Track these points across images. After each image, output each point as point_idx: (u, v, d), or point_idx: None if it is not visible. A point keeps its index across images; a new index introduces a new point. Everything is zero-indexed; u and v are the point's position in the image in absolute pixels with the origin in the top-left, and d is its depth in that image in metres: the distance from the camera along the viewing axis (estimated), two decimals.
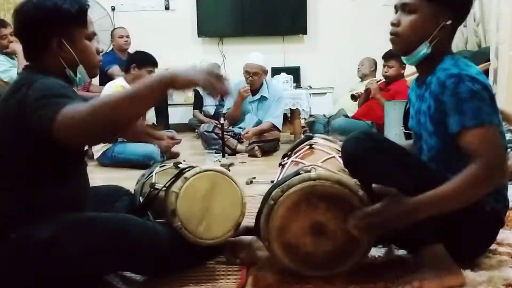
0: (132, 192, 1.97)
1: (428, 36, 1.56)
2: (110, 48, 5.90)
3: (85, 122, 1.24)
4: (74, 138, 1.27)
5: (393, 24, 1.60)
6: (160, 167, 1.99)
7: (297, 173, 1.56)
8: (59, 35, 1.49)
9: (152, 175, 1.90)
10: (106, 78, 5.12)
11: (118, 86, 3.88)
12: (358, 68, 5.34)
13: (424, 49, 1.57)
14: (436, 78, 1.53)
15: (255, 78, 4.57)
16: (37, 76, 1.45)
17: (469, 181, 1.40)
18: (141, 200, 1.84)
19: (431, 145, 1.59)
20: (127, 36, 5.68)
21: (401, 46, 1.61)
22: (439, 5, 1.55)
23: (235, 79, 5.02)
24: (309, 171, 1.54)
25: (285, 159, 1.95)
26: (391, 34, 1.61)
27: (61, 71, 1.52)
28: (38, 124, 1.30)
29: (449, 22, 1.55)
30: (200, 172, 1.60)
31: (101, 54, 1.63)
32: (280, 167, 1.92)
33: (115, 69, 5.20)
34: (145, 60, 4.00)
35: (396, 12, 1.62)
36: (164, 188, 1.66)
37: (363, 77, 5.23)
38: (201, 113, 5.98)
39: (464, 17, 1.62)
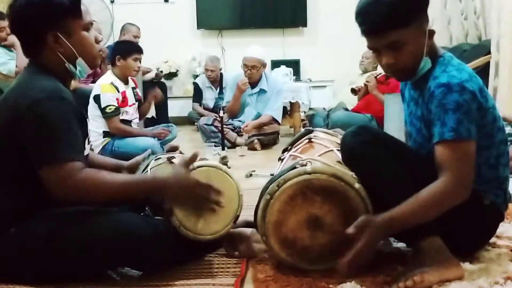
0: None
1: (423, 51, 1.51)
2: (112, 42, 5.85)
3: (72, 191, 1.37)
4: (57, 195, 1.38)
5: (390, 64, 1.51)
6: (155, 159, 1.97)
7: (293, 167, 1.55)
8: (54, 29, 1.47)
9: (147, 171, 1.88)
10: None
11: (106, 85, 3.83)
12: (361, 61, 5.29)
13: (426, 64, 1.52)
14: (428, 87, 1.51)
15: (253, 72, 4.56)
16: (38, 80, 1.44)
17: (435, 198, 1.42)
18: None
19: (428, 149, 1.59)
20: (139, 38, 5.61)
21: (407, 76, 1.58)
22: (417, 18, 1.48)
23: (234, 72, 5.01)
24: (305, 165, 1.54)
25: (285, 153, 1.95)
26: (392, 72, 1.56)
27: (60, 66, 1.51)
28: (34, 159, 1.39)
29: (429, 24, 1.51)
30: (193, 169, 1.58)
31: (105, 45, 1.63)
32: (280, 161, 1.92)
33: None
34: (129, 49, 3.95)
35: (376, 52, 1.53)
36: None
37: (365, 71, 5.21)
38: (200, 106, 5.97)
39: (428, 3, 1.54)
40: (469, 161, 1.45)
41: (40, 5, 1.45)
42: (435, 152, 1.46)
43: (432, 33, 1.51)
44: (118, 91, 3.86)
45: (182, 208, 1.52)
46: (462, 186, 1.43)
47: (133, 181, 1.50)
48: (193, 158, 1.53)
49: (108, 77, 3.89)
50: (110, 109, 3.77)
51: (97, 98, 3.78)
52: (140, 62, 3.99)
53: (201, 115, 5.44)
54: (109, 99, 3.78)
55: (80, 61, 1.53)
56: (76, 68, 1.53)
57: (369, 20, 1.47)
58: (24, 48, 1.54)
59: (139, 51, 4.00)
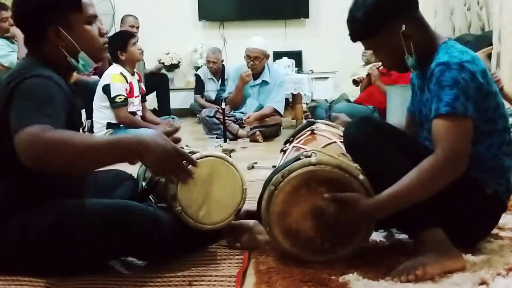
0: (135, 177, 1.97)
1: (404, 51, 1.56)
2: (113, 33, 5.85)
3: (40, 151, 1.23)
4: (26, 160, 1.25)
5: (381, 62, 1.73)
6: None
7: (297, 158, 1.56)
8: (55, 24, 1.46)
9: None
10: None
11: (116, 75, 3.86)
12: (363, 53, 5.28)
13: (410, 61, 1.59)
14: (430, 69, 1.53)
15: (256, 63, 4.54)
16: (35, 67, 1.43)
17: (425, 175, 1.42)
18: (144, 184, 1.84)
19: None
20: (137, 27, 5.60)
21: (401, 70, 1.71)
22: (383, 26, 1.55)
23: (236, 64, 5.00)
24: (310, 156, 1.54)
25: (287, 145, 1.95)
26: (385, 68, 1.77)
27: (62, 59, 1.50)
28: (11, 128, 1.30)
29: (403, 26, 1.54)
30: (200, 158, 1.60)
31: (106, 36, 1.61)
32: (282, 153, 1.92)
33: None
34: (123, 40, 3.99)
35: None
36: None
37: (367, 63, 5.19)
38: (202, 98, 5.97)
39: (410, 4, 1.59)
40: (464, 136, 1.44)
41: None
42: (432, 128, 1.47)
43: (406, 34, 1.55)
44: (127, 81, 3.90)
45: (158, 172, 1.51)
46: (454, 160, 1.42)
47: (107, 140, 1.36)
48: (175, 130, 1.59)
49: (117, 68, 3.92)
50: (120, 98, 3.81)
51: (106, 88, 3.80)
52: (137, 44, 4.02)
53: (203, 107, 5.44)
54: (119, 89, 3.81)
55: (82, 55, 1.51)
56: (78, 62, 1.52)
57: (348, 30, 1.64)
58: (26, 40, 1.53)
59: (133, 36, 4.05)
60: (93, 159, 1.31)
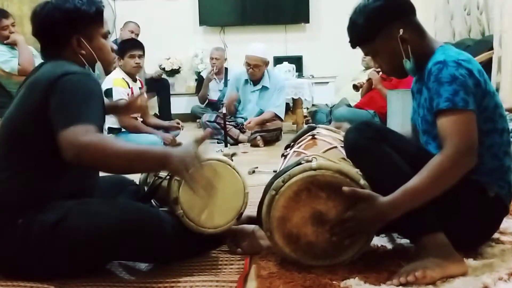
0: (137, 182, 1.97)
1: (402, 55, 1.59)
2: (114, 38, 5.88)
3: (76, 152, 1.34)
4: (67, 157, 1.35)
5: (379, 67, 1.75)
6: None
7: (298, 163, 1.56)
8: (78, 34, 1.57)
9: None
10: None
11: (118, 79, 3.88)
12: (363, 58, 5.28)
13: (408, 65, 1.61)
14: (428, 69, 1.55)
15: (255, 70, 4.56)
16: (63, 64, 1.51)
17: (437, 171, 1.43)
18: (146, 189, 1.85)
19: (435, 134, 1.59)
20: (137, 34, 5.63)
21: (399, 75, 1.72)
22: (382, 30, 1.59)
23: (237, 69, 5.01)
24: (310, 161, 1.54)
25: (288, 149, 1.95)
26: (384, 73, 1.82)
27: (79, 66, 1.57)
28: (51, 126, 1.40)
29: (401, 31, 1.57)
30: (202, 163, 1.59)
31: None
32: (283, 157, 1.92)
33: None
34: (124, 48, 4.02)
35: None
36: (167, 177, 1.67)
37: (367, 68, 5.20)
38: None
39: (408, 10, 1.62)
40: (469, 129, 1.45)
41: (68, 11, 1.55)
42: (437, 125, 1.49)
43: (404, 39, 1.58)
44: (129, 87, 3.91)
45: (186, 186, 1.47)
46: (464, 154, 1.43)
47: (140, 149, 1.44)
48: (206, 135, 1.56)
49: (118, 73, 3.94)
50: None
51: (108, 92, 3.81)
52: (139, 58, 4.01)
53: (204, 112, 5.46)
54: (122, 93, 3.82)
55: (98, 65, 1.64)
56: (94, 71, 1.64)
57: (349, 37, 1.68)
58: (46, 49, 1.61)
59: (135, 47, 4.03)
60: (125, 166, 1.41)
